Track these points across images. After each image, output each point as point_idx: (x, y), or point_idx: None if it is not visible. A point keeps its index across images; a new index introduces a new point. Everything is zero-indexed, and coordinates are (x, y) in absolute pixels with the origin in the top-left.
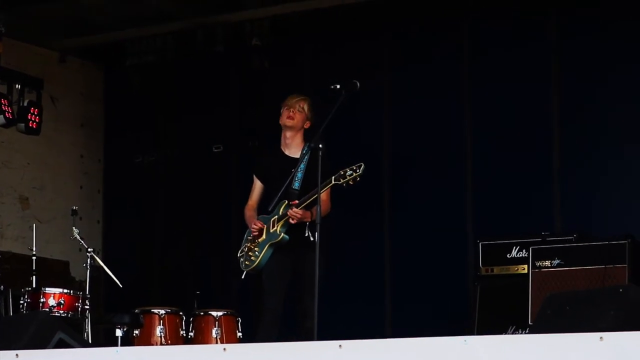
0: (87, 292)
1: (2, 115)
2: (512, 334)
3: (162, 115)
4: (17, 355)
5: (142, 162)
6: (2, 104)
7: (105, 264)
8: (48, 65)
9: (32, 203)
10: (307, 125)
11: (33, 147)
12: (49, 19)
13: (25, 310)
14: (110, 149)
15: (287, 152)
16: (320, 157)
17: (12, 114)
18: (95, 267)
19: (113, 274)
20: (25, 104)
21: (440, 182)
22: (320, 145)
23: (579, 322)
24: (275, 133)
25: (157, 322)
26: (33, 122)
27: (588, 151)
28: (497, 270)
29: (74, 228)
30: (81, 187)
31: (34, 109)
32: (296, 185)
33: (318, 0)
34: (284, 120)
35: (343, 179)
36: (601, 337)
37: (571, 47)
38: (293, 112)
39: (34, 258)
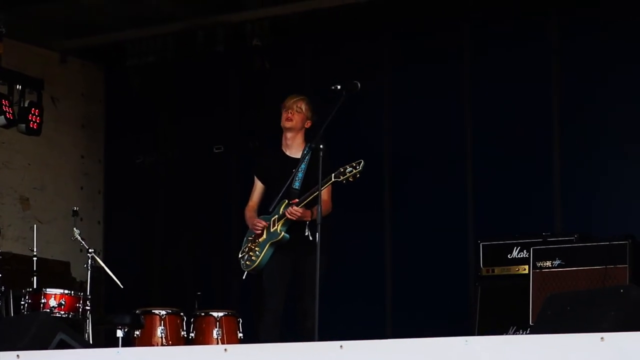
0: (88, 293)
1: (2, 116)
2: (513, 334)
3: (162, 116)
4: (18, 356)
5: (143, 163)
6: (2, 104)
7: (106, 265)
8: (49, 65)
9: (32, 204)
10: (307, 124)
11: (34, 147)
12: (49, 19)
13: (26, 311)
14: (110, 149)
15: (288, 153)
16: (320, 158)
17: (13, 114)
18: (96, 268)
19: (114, 274)
20: (26, 104)
21: (441, 183)
22: (321, 146)
23: (580, 322)
24: (276, 134)
25: (158, 322)
26: (34, 122)
27: (588, 151)
28: (497, 270)
29: (74, 229)
30: (82, 188)
31: (35, 109)
32: (296, 185)
33: (318, 0)
34: (283, 122)
35: (343, 176)
36: (602, 338)
37: (571, 48)
38: (291, 113)
39: (34, 259)
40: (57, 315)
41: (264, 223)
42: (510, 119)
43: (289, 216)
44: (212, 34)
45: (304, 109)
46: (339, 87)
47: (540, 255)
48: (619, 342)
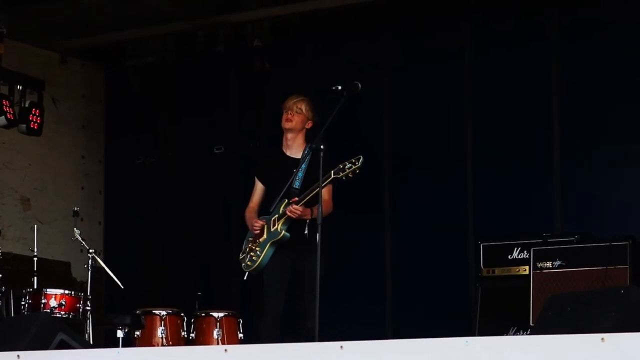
0: (89, 293)
1: (3, 116)
2: (514, 335)
3: (162, 116)
4: (18, 356)
5: (143, 163)
6: (3, 105)
7: (106, 265)
8: (49, 66)
9: (33, 204)
10: (308, 125)
11: (34, 148)
12: (49, 19)
13: (27, 311)
14: (111, 150)
15: (288, 153)
16: (321, 158)
17: (14, 115)
18: (96, 268)
19: (114, 274)
20: (27, 105)
21: (441, 183)
22: (322, 146)
23: (580, 323)
24: (276, 134)
25: (158, 323)
26: (34, 123)
27: (588, 151)
28: (498, 271)
29: (75, 229)
30: (82, 188)
31: (35, 110)
32: (297, 184)
33: (318, 1)
34: (283, 122)
35: (342, 172)
36: (602, 338)
37: (572, 48)
38: (291, 114)
39: (35, 259)
40: (58, 315)
41: (262, 222)
42: (511, 119)
43: (289, 214)
44: (213, 34)
45: (304, 110)
46: (339, 87)
47: (540, 256)
48: (619, 342)
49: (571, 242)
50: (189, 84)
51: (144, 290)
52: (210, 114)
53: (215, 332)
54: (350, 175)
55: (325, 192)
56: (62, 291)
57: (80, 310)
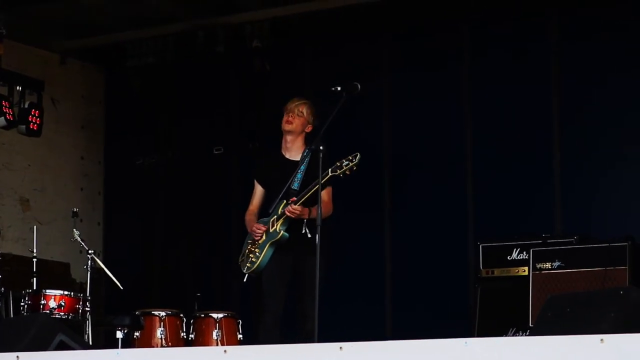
0: (88, 294)
1: (2, 117)
2: (513, 336)
3: (162, 117)
4: (17, 357)
5: (143, 164)
6: (3, 105)
7: (105, 266)
8: (49, 67)
9: (32, 205)
10: (308, 129)
11: (34, 149)
12: (49, 20)
13: (26, 312)
14: (110, 150)
15: (287, 156)
16: (320, 159)
17: (13, 115)
18: (95, 269)
19: (114, 275)
20: (26, 105)
21: (441, 184)
22: (321, 147)
23: (580, 324)
24: (276, 135)
25: (157, 324)
26: (34, 124)
27: (588, 153)
28: (497, 272)
29: (74, 230)
30: (82, 189)
31: (35, 110)
32: (295, 185)
33: (318, 2)
34: (283, 124)
35: (340, 170)
36: (602, 339)
37: (571, 49)
38: (292, 116)
39: (34, 260)
40: (57, 316)
41: (263, 228)
42: (510, 121)
43: (287, 214)
44: (212, 35)
45: (305, 113)
46: (339, 88)
47: (540, 257)
48: (618, 343)
49: (570, 243)
50: (189, 84)
51: (143, 291)
52: (210, 114)
53: (214, 333)
54: (347, 173)
55: (325, 194)
56: (61, 292)
57: (80, 311)
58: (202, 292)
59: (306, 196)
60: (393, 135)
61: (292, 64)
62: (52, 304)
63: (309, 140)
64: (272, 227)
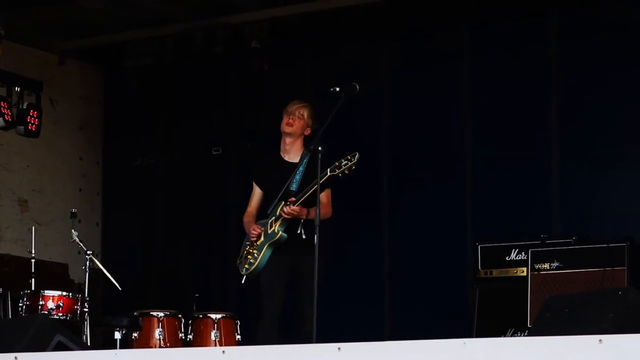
0: (86, 295)
1: (1, 118)
2: (511, 336)
3: (161, 118)
4: (16, 357)
5: (141, 165)
6: (1, 106)
7: (104, 267)
8: (47, 67)
9: (31, 205)
10: (307, 132)
11: (32, 149)
12: (48, 21)
13: (24, 313)
14: (109, 151)
15: (286, 158)
16: (319, 159)
17: (12, 116)
18: (94, 270)
19: (112, 276)
20: (25, 106)
21: (440, 185)
22: (320, 148)
23: (578, 324)
24: (274, 136)
25: (156, 324)
26: (32, 124)
27: (587, 153)
28: (496, 272)
29: (72, 230)
30: (80, 190)
31: (33, 111)
32: (294, 187)
33: (317, 2)
34: (283, 126)
35: (339, 170)
36: (600, 340)
37: (571, 49)
38: (292, 118)
39: (33, 260)
40: (55, 317)
41: (260, 229)
42: (510, 121)
43: (284, 215)
44: (211, 36)
45: (305, 116)
46: (337, 89)
47: (538, 258)
48: (617, 344)
49: (569, 244)
50: (188, 85)
51: (141, 291)
52: (209, 115)
53: (213, 334)
54: (346, 172)
55: (324, 196)
56: (59, 293)
57: (78, 311)
58: (201, 293)
59: (305, 196)
60: (392, 136)
61: (291, 64)
62: (51, 304)
63: (308, 143)
64: (270, 228)
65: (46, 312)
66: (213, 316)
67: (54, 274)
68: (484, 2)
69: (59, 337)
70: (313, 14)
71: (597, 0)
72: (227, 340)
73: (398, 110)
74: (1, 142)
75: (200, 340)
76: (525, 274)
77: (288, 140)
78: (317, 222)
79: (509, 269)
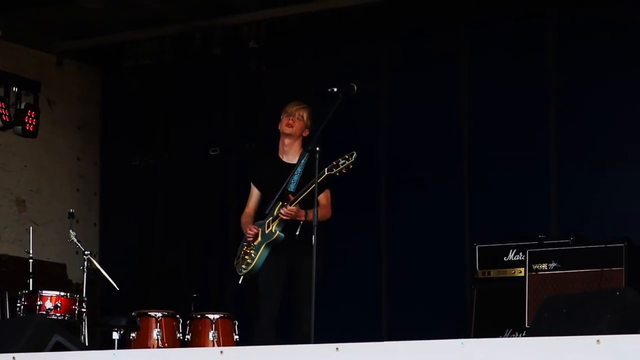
0: (84, 295)
1: None
2: (509, 337)
3: (159, 118)
4: (14, 358)
5: (139, 165)
6: None
7: (102, 267)
8: (45, 68)
9: (28, 206)
10: (305, 133)
11: (30, 149)
12: (46, 21)
13: (22, 313)
14: (107, 151)
15: (285, 159)
16: (317, 160)
17: (9, 116)
18: (92, 270)
19: (110, 276)
20: (22, 106)
21: (438, 185)
22: (318, 148)
23: (576, 325)
24: (273, 136)
25: (154, 325)
26: (30, 124)
27: (585, 153)
28: (493, 273)
29: (70, 231)
30: (78, 190)
31: (31, 111)
32: (292, 187)
33: (316, 3)
34: (283, 127)
35: (336, 169)
36: (598, 340)
37: (570, 49)
38: (292, 120)
39: (30, 261)
40: (53, 317)
41: (256, 230)
42: (509, 121)
43: (281, 216)
44: (209, 37)
45: (305, 118)
46: (335, 89)
47: (536, 258)
48: (615, 344)
49: (566, 244)
50: (186, 86)
51: (139, 292)
52: (207, 115)
53: (210, 334)
54: (344, 171)
55: (324, 198)
56: (57, 293)
57: (76, 312)
58: (199, 293)
59: (302, 197)
60: (390, 136)
61: (289, 64)
62: (49, 305)
63: (306, 144)
64: (267, 229)
65: (44, 313)
66: (211, 316)
67: (52, 274)
68: (484, 2)
69: (57, 338)
70: (312, 14)
71: (597, 0)
72: (225, 340)
73: (397, 110)
74: None
75: (198, 341)
76: (523, 274)
77: (287, 141)
78: (315, 223)
79: (507, 270)
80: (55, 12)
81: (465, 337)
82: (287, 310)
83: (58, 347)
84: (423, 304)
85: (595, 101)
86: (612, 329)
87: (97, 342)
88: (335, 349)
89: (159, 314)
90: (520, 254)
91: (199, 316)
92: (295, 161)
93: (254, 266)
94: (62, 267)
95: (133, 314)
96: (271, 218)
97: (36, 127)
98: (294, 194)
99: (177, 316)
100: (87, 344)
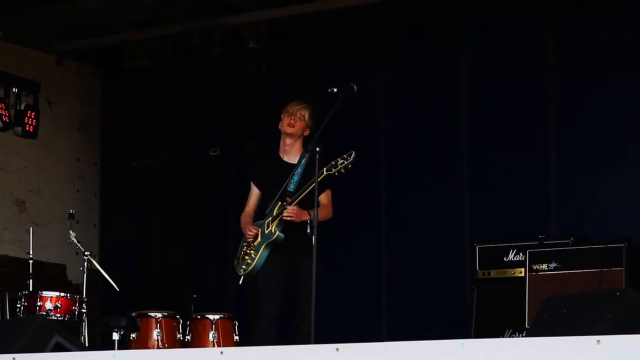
0: (84, 296)
1: None
2: (509, 337)
3: (159, 119)
4: (14, 358)
5: (139, 166)
6: None
7: (102, 268)
8: (45, 68)
9: (29, 206)
10: (306, 132)
11: (30, 150)
12: (46, 22)
13: (22, 314)
14: (107, 152)
15: (285, 159)
16: (317, 160)
17: (9, 117)
18: (92, 271)
19: (110, 277)
20: (22, 107)
21: (438, 185)
22: (318, 149)
23: (576, 325)
24: (272, 136)
25: (154, 325)
26: (30, 125)
27: (585, 154)
28: (494, 273)
29: (70, 231)
30: (78, 191)
31: (31, 112)
32: (291, 187)
33: (316, 3)
34: (285, 127)
35: (335, 169)
36: (598, 340)
37: (571, 49)
38: (294, 119)
39: (30, 261)
40: (53, 318)
41: (256, 230)
42: (508, 121)
43: (285, 217)
44: (209, 37)
45: (306, 117)
46: (335, 89)
47: (536, 258)
48: (615, 344)
49: (567, 244)
50: (186, 86)
51: (139, 292)
52: (207, 116)
53: (211, 335)
54: (342, 171)
55: (325, 197)
56: (57, 294)
57: (76, 312)
58: (199, 294)
59: (301, 196)
60: (390, 136)
61: (289, 65)
62: (49, 305)
63: (306, 144)
64: (267, 229)
65: (44, 313)
66: (211, 317)
67: (52, 275)
68: (484, 2)
69: (57, 338)
70: (311, 14)
71: (597, 0)
72: (225, 341)
73: (397, 110)
74: None
75: (198, 341)
76: (523, 274)
77: (288, 140)
78: (315, 223)
79: (507, 270)
80: (55, 12)
81: (465, 338)
82: (287, 310)
83: (58, 348)
84: (423, 304)
85: (595, 101)
86: (612, 329)
87: (97, 342)
88: (335, 350)
89: (159, 315)
90: (521, 254)
91: (199, 317)
92: (296, 161)
93: (254, 266)
94: (62, 268)
95: (133, 314)
96: (270, 218)
97: (36, 127)
98: (293, 194)
99: (177, 317)
100: (87, 344)
